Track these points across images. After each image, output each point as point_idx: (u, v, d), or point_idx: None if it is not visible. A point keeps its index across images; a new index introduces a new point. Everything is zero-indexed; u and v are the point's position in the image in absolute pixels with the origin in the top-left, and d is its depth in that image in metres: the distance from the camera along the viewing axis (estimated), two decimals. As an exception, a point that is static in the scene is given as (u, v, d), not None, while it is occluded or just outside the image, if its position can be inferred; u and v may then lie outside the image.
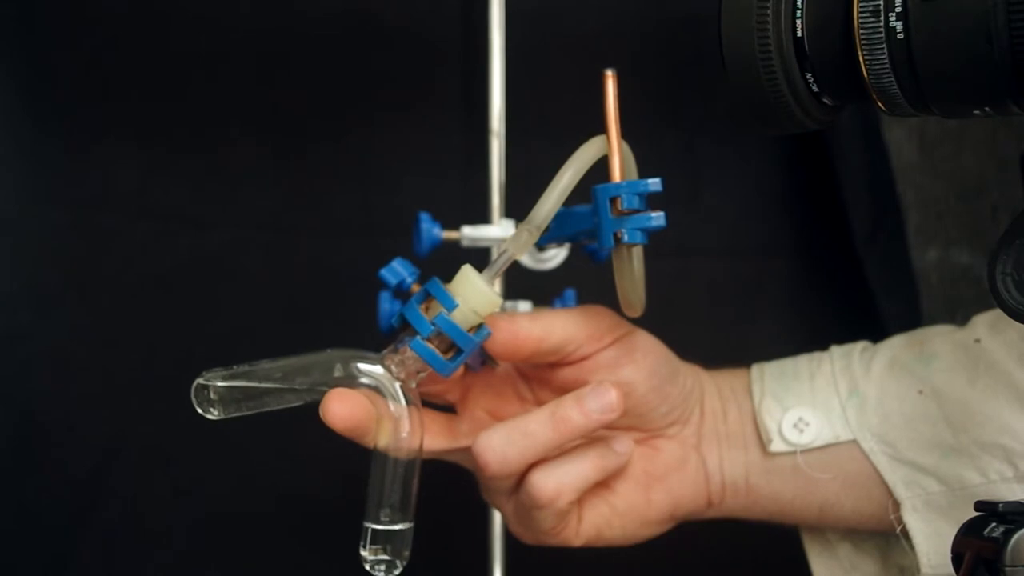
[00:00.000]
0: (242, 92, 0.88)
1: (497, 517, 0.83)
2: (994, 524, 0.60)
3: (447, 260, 0.73)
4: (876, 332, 0.81)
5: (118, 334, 0.91)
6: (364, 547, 0.68)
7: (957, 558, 0.61)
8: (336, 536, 0.88)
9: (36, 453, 0.91)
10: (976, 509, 0.62)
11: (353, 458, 0.70)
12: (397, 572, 0.68)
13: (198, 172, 0.89)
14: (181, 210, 0.90)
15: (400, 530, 0.68)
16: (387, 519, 0.67)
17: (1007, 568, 0.58)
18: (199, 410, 0.67)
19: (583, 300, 0.78)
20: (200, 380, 0.66)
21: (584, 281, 0.78)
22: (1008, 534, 0.59)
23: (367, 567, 0.68)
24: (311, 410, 0.68)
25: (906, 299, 0.99)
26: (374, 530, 0.67)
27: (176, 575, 0.90)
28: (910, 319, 0.97)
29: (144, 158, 0.89)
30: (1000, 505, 0.61)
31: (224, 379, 0.67)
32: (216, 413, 0.67)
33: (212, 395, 0.66)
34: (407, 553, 0.68)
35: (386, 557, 0.68)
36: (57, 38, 0.90)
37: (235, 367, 0.67)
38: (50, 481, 0.91)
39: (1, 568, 0.91)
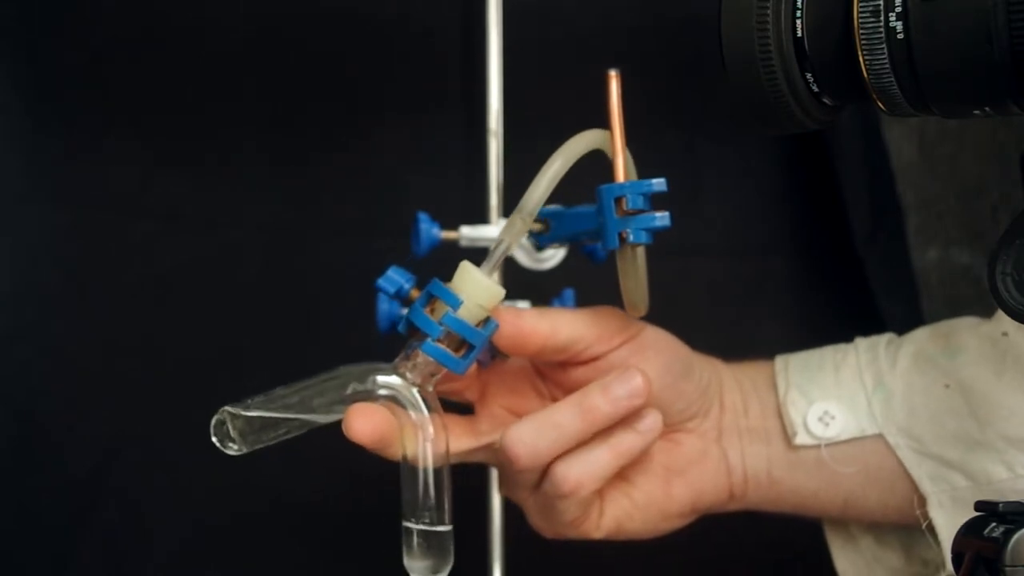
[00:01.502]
0: (242, 92, 0.88)
1: (497, 518, 0.83)
2: (994, 524, 0.60)
3: (446, 260, 0.72)
4: (876, 332, 0.81)
5: (118, 334, 0.90)
6: (408, 552, 0.68)
7: (957, 558, 0.61)
8: (336, 536, 0.89)
9: (36, 453, 0.91)
10: (976, 509, 0.62)
11: (354, 458, 0.70)
12: (444, 575, 0.68)
13: (198, 172, 0.89)
14: (181, 210, 0.90)
15: (442, 531, 0.68)
16: (427, 521, 0.67)
17: (1007, 568, 0.58)
18: (219, 446, 0.66)
19: (582, 300, 0.78)
20: (219, 416, 0.66)
21: (583, 281, 0.78)
22: (1008, 534, 0.59)
23: (414, 574, 0.68)
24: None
25: (906, 299, 0.99)
26: (418, 531, 0.67)
27: (176, 575, 0.90)
28: (910, 319, 0.96)
29: (144, 158, 0.89)
30: (1000, 505, 0.60)
31: (242, 412, 0.66)
32: (236, 448, 0.66)
33: (231, 430, 0.66)
34: (451, 555, 0.68)
35: (431, 560, 0.68)
36: (57, 38, 0.90)
37: (249, 400, 0.66)
38: (50, 481, 0.91)
39: (1, 568, 0.91)
